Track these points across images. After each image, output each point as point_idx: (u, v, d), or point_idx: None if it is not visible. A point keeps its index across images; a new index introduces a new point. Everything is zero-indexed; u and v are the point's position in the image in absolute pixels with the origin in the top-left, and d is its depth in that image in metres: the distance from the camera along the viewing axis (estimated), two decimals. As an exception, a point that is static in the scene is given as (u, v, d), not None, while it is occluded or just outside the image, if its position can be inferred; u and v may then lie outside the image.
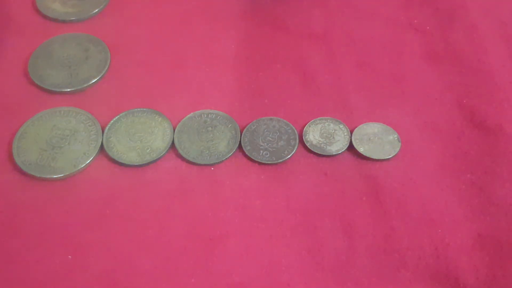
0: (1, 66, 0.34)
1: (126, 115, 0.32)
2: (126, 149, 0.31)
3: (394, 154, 0.31)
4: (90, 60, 0.35)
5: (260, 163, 0.31)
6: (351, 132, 0.32)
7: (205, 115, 0.32)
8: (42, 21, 0.37)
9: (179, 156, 0.31)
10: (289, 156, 0.31)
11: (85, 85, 0.33)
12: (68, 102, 0.33)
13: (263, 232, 0.29)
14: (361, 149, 0.31)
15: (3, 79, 0.34)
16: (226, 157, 0.31)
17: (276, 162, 0.31)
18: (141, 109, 0.32)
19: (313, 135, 0.32)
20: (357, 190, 0.30)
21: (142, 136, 0.31)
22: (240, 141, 0.31)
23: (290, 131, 0.32)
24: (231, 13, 0.37)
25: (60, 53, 0.35)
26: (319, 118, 0.32)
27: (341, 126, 0.32)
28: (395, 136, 0.32)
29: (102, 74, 0.34)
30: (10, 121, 0.32)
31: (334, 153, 0.31)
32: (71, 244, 0.28)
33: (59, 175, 0.30)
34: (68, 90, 0.33)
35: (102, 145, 0.31)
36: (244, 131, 0.32)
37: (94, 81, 0.33)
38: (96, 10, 0.37)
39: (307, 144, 0.31)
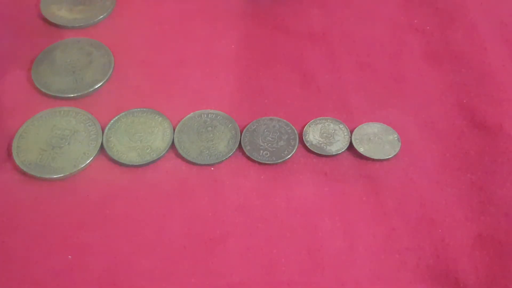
0: (7, 73, 0.34)
1: (126, 115, 0.32)
2: (126, 149, 0.31)
3: (394, 154, 0.31)
4: (94, 64, 0.34)
5: (260, 163, 0.31)
6: (351, 132, 0.32)
7: (205, 115, 0.32)
8: (49, 28, 0.36)
9: (179, 156, 0.31)
10: (289, 156, 0.31)
11: (91, 90, 0.33)
12: (70, 104, 0.33)
13: (263, 232, 0.29)
14: (361, 149, 0.31)
15: (9, 87, 0.34)
16: (226, 157, 0.31)
17: (276, 162, 0.31)
18: (141, 109, 0.32)
19: (313, 135, 0.32)
20: (357, 190, 0.30)
21: (142, 136, 0.31)
22: (240, 141, 0.31)
23: (290, 131, 0.32)
24: (231, 13, 0.37)
25: (63, 59, 0.35)
26: (319, 118, 0.32)
27: (341, 126, 0.32)
28: (395, 136, 0.32)
29: (107, 77, 0.34)
30: (10, 121, 0.32)
31: (334, 153, 0.31)
32: (71, 244, 0.28)
33: (59, 175, 0.30)
34: (74, 95, 0.33)
35: (102, 145, 0.31)
36: (244, 131, 0.32)
37: (100, 84, 0.33)
38: (103, 16, 0.37)
39: (307, 144, 0.31)
